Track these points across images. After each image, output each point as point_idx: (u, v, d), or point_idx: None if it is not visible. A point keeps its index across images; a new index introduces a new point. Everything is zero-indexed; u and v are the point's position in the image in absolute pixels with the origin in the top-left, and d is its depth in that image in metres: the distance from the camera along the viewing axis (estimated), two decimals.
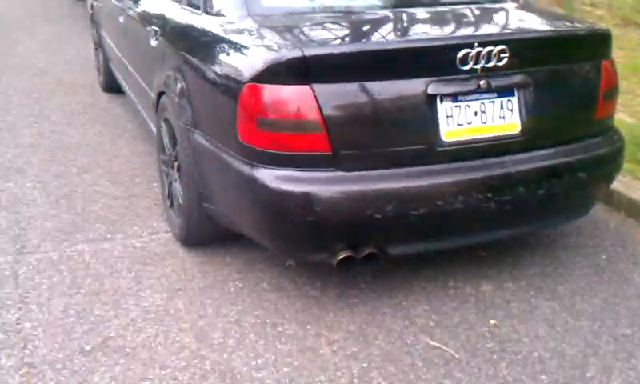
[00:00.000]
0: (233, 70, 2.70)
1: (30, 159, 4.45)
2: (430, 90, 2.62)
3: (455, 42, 2.70)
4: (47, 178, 4.17)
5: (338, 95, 2.55)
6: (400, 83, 2.61)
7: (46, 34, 8.33)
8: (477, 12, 3.25)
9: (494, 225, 2.89)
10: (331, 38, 2.83)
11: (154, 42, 3.63)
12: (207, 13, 3.14)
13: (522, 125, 2.80)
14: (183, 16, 3.38)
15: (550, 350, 2.71)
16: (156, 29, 3.62)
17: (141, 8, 4.09)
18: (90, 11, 6.27)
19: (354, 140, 2.60)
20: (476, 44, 2.63)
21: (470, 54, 2.63)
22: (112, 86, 5.70)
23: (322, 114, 2.51)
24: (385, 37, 2.93)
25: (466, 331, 2.81)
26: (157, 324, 2.80)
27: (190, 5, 3.35)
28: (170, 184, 3.44)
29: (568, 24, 3.37)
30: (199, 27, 3.17)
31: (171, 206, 3.47)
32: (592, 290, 3.11)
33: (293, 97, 2.52)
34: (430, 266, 3.23)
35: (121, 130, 5.07)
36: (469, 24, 3.18)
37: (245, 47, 2.74)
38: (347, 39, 2.83)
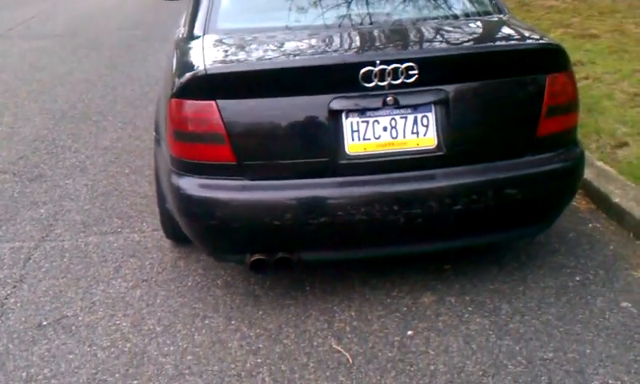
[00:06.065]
0: (170, 85, 3.01)
1: (97, 160, 5.05)
2: (334, 105, 2.75)
3: (355, 59, 2.80)
4: (100, 177, 4.72)
5: (241, 110, 2.76)
6: (302, 99, 2.76)
7: None
8: (423, 27, 3.18)
9: (408, 238, 2.92)
10: (245, 56, 3.00)
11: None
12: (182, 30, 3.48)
13: (438, 140, 2.82)
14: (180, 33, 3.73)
15: (450, 365, 2.71)
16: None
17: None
18: None
19: (257, 151, 2.80)
20: (378, 61, 2.71)
21: (374, 72, 2.71)
22: None
23: (225, 126, 2.75)
24: (293, 55, 3.02)
25: (377, 339, 2.88)
26: (109, 308, 3.18)
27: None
28: None
29: (513, 38, 3.21)
30: (175, 43, 3.51)
31: None
32: (538, 312, 3.02)
33: (199, 111, 2.77)
34: (384, 274, 3.31)
35: None
36: (395, 40, 3.14)
37: (181, 64, 3.03)
38: (257, 57, 2.97)
